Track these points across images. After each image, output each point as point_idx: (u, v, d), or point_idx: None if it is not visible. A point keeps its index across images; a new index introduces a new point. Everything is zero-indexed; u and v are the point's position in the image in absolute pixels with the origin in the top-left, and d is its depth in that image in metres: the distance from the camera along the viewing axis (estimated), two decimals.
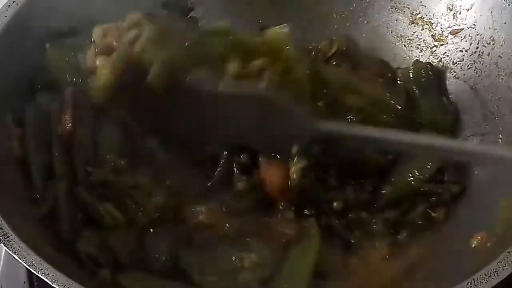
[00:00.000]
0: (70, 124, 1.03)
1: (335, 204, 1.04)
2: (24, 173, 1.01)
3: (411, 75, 1.20)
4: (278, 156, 1.02)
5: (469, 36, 1.18)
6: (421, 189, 1.07)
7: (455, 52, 1.20)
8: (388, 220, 1.05)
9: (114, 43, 1.00)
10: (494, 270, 0.80)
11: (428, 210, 1.06)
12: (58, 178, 1.01)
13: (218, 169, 1.05)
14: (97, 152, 1.04)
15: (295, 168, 1.01)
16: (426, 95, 1.18)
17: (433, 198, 1.06)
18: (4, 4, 1.08)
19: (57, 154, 1.03)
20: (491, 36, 1.13)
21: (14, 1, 1.09)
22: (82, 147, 1.04)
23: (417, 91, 1.18)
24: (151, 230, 1.00)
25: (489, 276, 0.79)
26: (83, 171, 1.02)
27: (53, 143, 1.03)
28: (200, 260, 0.96)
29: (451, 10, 1.20)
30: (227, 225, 1.00)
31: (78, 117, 1.04)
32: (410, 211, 1.06)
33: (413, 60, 1.23)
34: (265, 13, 1.30)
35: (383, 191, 1.07)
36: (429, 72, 1.20)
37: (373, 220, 1.05)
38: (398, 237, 1.04)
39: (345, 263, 1.00)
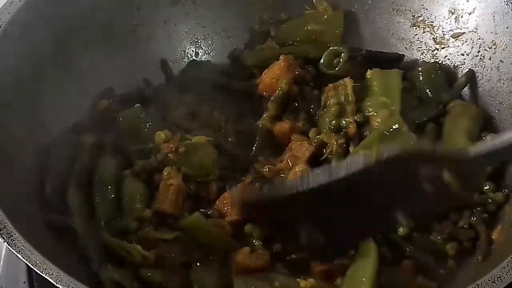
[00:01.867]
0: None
1: (401, 229, 1.00)
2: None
3: (421, 78, 1.18)
4: None
5: (471, 40, 1.18)
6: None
7: (456, 56, 1.20)
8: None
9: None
10: (498, 275, 0.80)
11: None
12: (73, 213, 1.01)
13: None
14: (121, 202, 1.04)
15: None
16: (438, 96, 1.16)
17: (478, 209, 1.02)
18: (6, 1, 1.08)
19: (73, 191, 1.03)
20: (493, 41, 1.14)
21: None
22: (103, 195, 1.04)
23: (429, 93, 1.17)
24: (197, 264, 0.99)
25: (492, 282, 0.79)
26: (106, 220, 1.02)
27: (71, 180, 1.05)
28: (254, 284, 0.94)
29: (453, 13, 1.20)
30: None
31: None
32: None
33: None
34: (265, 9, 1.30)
35: None
36: (439, 71, 1.19)
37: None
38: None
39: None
